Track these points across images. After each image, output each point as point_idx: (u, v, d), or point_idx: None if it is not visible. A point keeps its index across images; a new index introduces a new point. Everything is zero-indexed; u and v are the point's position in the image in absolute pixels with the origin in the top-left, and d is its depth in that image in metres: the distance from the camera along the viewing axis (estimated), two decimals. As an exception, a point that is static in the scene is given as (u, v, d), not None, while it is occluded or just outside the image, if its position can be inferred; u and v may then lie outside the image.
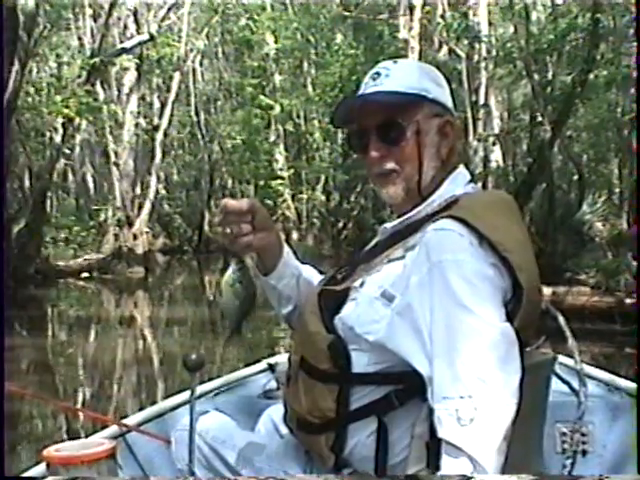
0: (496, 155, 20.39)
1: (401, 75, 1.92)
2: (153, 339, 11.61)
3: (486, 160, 20.34)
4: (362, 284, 1.88)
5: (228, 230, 1.91)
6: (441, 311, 1.66)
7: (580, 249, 13.85)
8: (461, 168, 1.99)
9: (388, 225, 1.99)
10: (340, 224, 29.31)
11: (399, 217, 1.95)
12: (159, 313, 14.80)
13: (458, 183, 1.94)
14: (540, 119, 16.04)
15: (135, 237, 23.93)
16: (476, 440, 1.57)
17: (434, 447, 1.64)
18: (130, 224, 24.10)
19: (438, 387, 1.63)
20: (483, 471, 1.55)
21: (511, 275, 1.71)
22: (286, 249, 2.11)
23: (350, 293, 1.90)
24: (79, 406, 7.33)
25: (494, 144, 20.48)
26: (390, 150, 1.91)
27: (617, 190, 22.01)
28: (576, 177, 20.01)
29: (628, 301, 10.80)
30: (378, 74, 1.95)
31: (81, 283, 18.56)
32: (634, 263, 11.03)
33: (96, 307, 15.50)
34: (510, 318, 1.70)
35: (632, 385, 3.10)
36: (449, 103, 1.96)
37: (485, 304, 1.66)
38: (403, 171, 1.90)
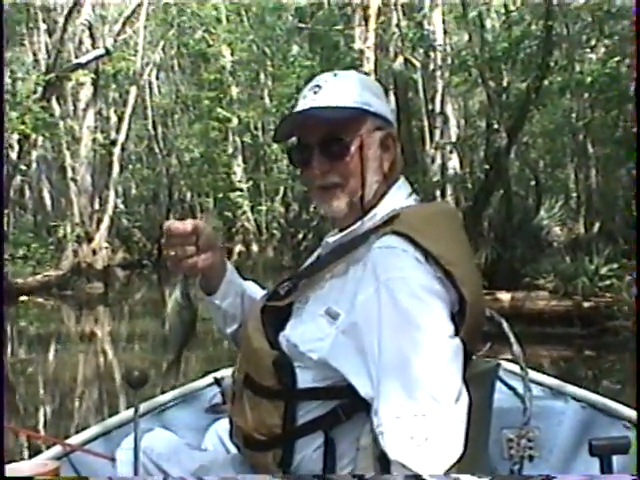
0: (454, 163, 20.50)
1: (342, 89, 1.90)
2: (114, 354, 11.53)
3: (444, 168, 20.44)
4: (306, 300, 1.87)
5: (172, 252, 1.88)
6: (390, 329, 1.64)
7: (538, 254, 13.94)
8: (402, 180, 1.97)
9: (330, 239, 1.95)
10: (300, 235, 29.32)
11: (341, 231, 1.93)
12: (120, 328, 14.70)
13: (400, 196, 1.92)
14: (496, 126, 16.15)
15: (94, 252, 23.75)
16: (431, 460, 1.55)
17: (384, 462, 1.61)
18: (89, 239, 23.91)
19: (389, 406, 1.60)
20: None
21: (455, 288, 1.70)
22: (229, 267, 2.09)
23: (294, 309, 1.90)
24: (41, 425, 7.28)
25: (451, 152, 20.60)
26: (333, 165, 1.88)
27: (574, 194, 22.23)
28: (533, 183, 20.27)
29: (586, 304, 10.93)
30: (319, 87, 1.92)
31: (40, 300, 18.36)
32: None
33: (56, 324, 15.33)
34: (456, 330, 1.69)
35: (577, 390, 3.10)
36: (389, 116, 1.94)
37: (434, 320, 1.64)
38: (347, 185, 1.87)
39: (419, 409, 1.57)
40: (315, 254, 2.07)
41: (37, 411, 8.06)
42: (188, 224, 1.87)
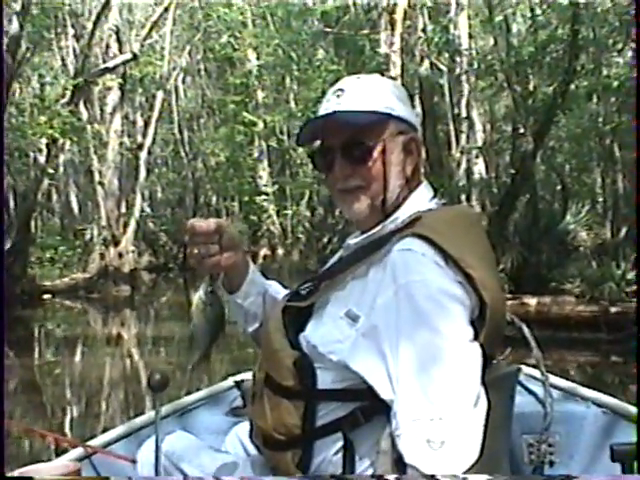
0: (479, 167, 20.44)
1: (366, 92, 1.90)
2: (140, 357, 11.58)
3: (469, 172, 20.38)
4: (327, 302, 1.88)
5: (195, 251, 1.91)
6: (409, 333, 1.64)
7: (564, 259, 13.86)
8: (425, 184, 1.97)
9: (351, 241, 1.96)
10: (325, 238, 29.30)
11: (362, 233, 1.94)
12: (146, 331, 14.75)
13: (422, 199, 1.92)
14: (522, 130, 16.06)
15: (121, 256, 23.87)
16: (446, 464, 1.55)
17: (401, 466, 1.62)
18: (116, 243, 24.03)
19: (407, 410, 1.61)
20: None
21: (476, 292, 1.70)
22: (252, 267, 2.10)
23: (314, 310, 1.91)
24: (67, 426, 7.32)
25: (477, 156, 20.53)
26: (355, 169, 1.89)
27: (600, 199, 22.13)
28: (559, 187, 20.14)
29: (613, 310, 10.85)
30: (342, 90, 1.93)
31: (67, 302, 18.48)
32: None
33: (83, 326, 15.43)
34: (476, 334, 1.69)
35: (598, 395, 3.06)
36: (413, 120, 1.94)
37: (453, 324, 1.64)
38: (369, 189, 1.88)
39: (436, 413, 1.57)
40: (337, 256, 2.07)
41: (64, 413, 8.10)
42: (211, 223, 1.90)
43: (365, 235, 1.90)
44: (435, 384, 1.59)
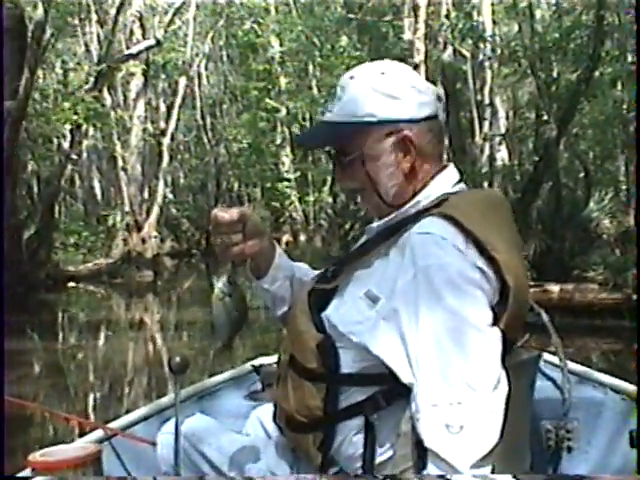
0: (502, 154, 20.40)
1: (349, 100, 1.90)
2: (163, 342, 11.64)
3: (492, 159, 20.34)
4: (348, 282, 1.88)
5: (219, 241, 1.92)
6: (428, 317, 1.64)
7: (588, 246, 13.79)
8: (450, 168, 1.95)
9: (374, 225, 1.97)
10: (347, 225, 29.28)
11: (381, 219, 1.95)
12: (168, 316, 14.82)
13: (445, 183, 1.91)
14: (546, 117, 16.02)
15: (144, 241, 23.99)
16: (465, 449, 1.57)
17: (421, 449, 1.63)
18: (139, 228, 24.16)
19: (426, 394, 1.62)
20: None
21: (499, 275, 1.70)
22: (279, 251, 2.11)
23: (337, 291, 1.90)
24: (90, 409, 7.39)
25: (500, 143, 20.50)
26: (345, 175, 1.93)
27: (624, 187, 21.99)
28: (582, 174, 20.02)
29: (635, 297, 10.79)
30: (341, 90, 1.93)
31: (91, 287, 18.60)
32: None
33: (106, 311, 15.52)
34: (497, 318, 1.70)
35: (616, 381, 3.03)
36: (408, 113, 1.87)
37: (472, 308, 1.65)
38: (363, 191, 1.92)
39: (455, 397, 1.58)
40: (362, 239, 2.06)
41: (86, 396, 8.17)
42: (234, 212, 1.90)
43: (388, 218, 1.90)
44: (454, 368, 1.60)
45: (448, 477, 1.56)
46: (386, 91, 1.87)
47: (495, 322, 1.69)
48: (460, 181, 1.94)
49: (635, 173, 10.95)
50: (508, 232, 1.84)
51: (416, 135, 1.86)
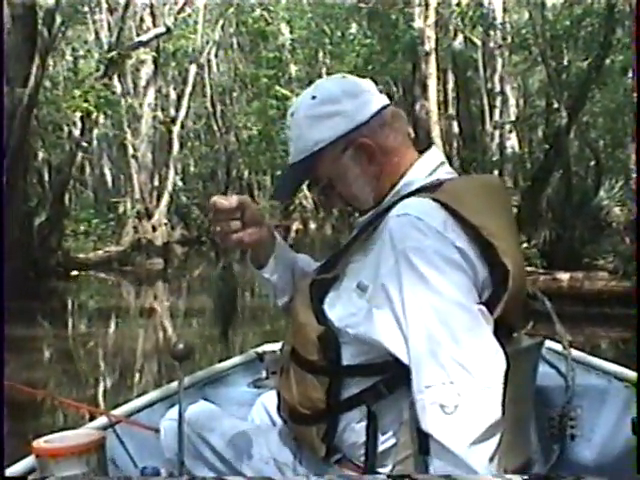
0: (512, 142, 20.38)
1: (296, 137, 1.96)
2: (173, 329, 11.68)
3: (502, 147, 20.34)
4: (343, 276, 1.90)
5: (218, 228, 1.94)
6: (413, 299, 1.65)
7: (598, 234, 13.77)
8: (430, 152, 1.96)
9: (360, 219, 2.00)
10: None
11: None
12: (178, 304, 14.86)
13: (424, 168, 1.90)
14: (556, 105, 15.98)
15: (154, 229, 23.99)
16: (462, 428, 1.57)
17: (422, 434, 1.64)
18: (149, 216, 24.15)
19: (419, 377, 1.63)
20: (470, 467, 1.56)
21: (495, 259, 1.71)
22: (279, 242, 2.13)
23: (334, 285, 1.91)
24: (100, 396, 7.43)
25: (510, 131, 20.47)
26: (326, 200, 2.02)
27: (634, 175, 21.89)
28: (593, 163, 19.93)
29: (645, 285, 10.78)
30: (287, 133, 2.01)
31: (101, 275, 18.65)
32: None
33: (116, 298, 15.56)
34: (497, 302, 1.71)
35: (620, 369, 3.03)
36: (352, 122, 1.88)
37: (455, 287, 1.65)
38: (349, 205, 2.00)
39: (447, 377, 1.58)
40: (353, 233, 2.06)
41: (97, 383, 8.21)
42: (233, 200, 1.92)
43: (372, 212, 1.94)
44: (444, 348, 1.60)
45: (454, 477, 1.55)
46: (322, 113, 1.89)
47: (494, 307, 1.70)
48: (443, 163, 1.94)
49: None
50: (506, 217, 1.86)
51: (370, 137, 1.87)
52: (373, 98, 1.91)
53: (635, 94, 12.26)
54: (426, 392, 1.60)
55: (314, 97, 1.89)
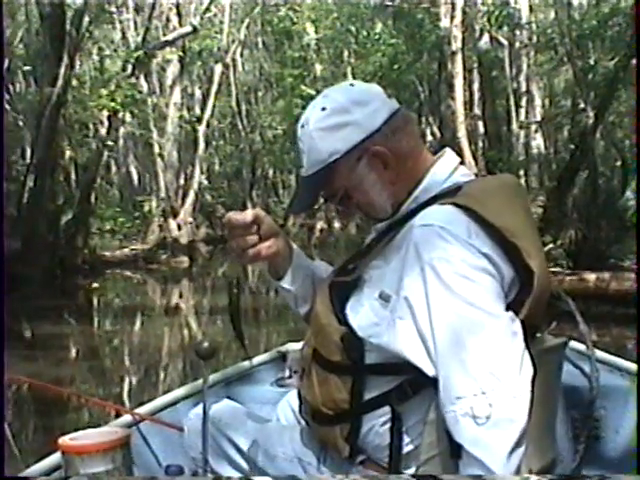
0: (538, 142, 20.28)
1: (309, 149, 1.91)
2: (198, 327, 11.72)
3: (528, 147, 20.25)
4: (364, 282, 1.87)
5: (235, 244, 1.92)
6: (441, 310, 1.63)
7: (624, 235, 13.68)
8: (445, 156, 1.94)
9: (378, 225, 1.97)
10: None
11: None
12: (203, 302, 14.90)
13: (441, 172, 1.88)
14: (582, 105, 15.89)
15: (179, 227, 24.10)
16: (494, 439, 1.55)
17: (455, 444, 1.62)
18: (174, 214, 24.26)
19: (449, 388, 1.61)
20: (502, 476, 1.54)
21: (520, 261, 1.69)
22: (296, 251, 2.10)
23: (355, 289, 1.89)
24: (125, 394, 7.47)
25: (536, 131, 20.38)
26: (344, 211, 2.01)
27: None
28: (619, 163, 19.85)
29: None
30: (299, 145, 1.96)
31: (127, 273, 18.75)
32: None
33: (142, 296, 15.65)
34: (521, 304, 1.70)
35: None
36: (365, 130, 1.85)
37: (485, 296, 1.63)
38: (367, 214, 1.95)
39: (478, 387, 1.57)
40: (370, 236, 2.05)
41: (122, 380, 8.26)
42: (248, 214, 1.90)
43: (390, 221, 1.92)
44: (474, 358, 1.59)
45: (484, 477, 1.55)
46: (333, 125, 1.86)
47: (519, 308, 1.69)
48: (459, 165, 1.93)
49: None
50: (526, 217, 1.83)
51: (383, 144, 1.85)
52: (383, 104, 1.89)
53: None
54: (457, 403, 1.59)
55: (324, 108, 1.87)
